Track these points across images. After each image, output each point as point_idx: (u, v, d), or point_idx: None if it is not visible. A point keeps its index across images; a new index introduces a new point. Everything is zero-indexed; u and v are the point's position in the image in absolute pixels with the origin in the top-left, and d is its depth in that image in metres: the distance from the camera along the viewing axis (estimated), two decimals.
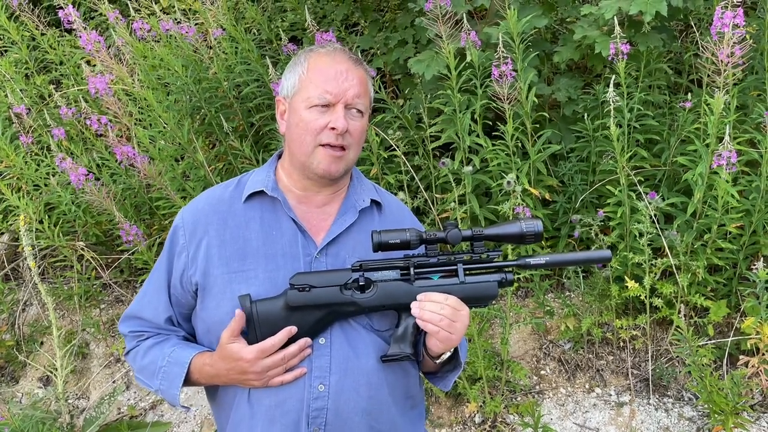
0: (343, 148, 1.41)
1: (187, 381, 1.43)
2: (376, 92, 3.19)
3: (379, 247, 1.35)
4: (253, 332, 1.35)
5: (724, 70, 2.53)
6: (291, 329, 1.35)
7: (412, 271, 1.38)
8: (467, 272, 1.39)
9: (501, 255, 1.43)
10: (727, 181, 2.58)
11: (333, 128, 1.38)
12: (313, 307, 1.35)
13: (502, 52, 2.69)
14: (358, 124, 1.42)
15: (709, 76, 2.64)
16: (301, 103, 1.41)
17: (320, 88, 1.39)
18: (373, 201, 1.53)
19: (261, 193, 1.47)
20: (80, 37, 3.03)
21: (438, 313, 1.32)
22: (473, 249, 1.40)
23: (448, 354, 1.43)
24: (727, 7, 2.45)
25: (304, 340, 1.36)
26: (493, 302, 1.45)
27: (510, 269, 1.41)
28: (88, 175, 3.10)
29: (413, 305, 1.34)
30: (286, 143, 1.48)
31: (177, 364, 1.41)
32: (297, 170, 1.47)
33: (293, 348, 1.35)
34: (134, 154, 3.06)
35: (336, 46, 1.48)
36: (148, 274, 1.55)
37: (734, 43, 2.47)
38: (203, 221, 1.46)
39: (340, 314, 1.38)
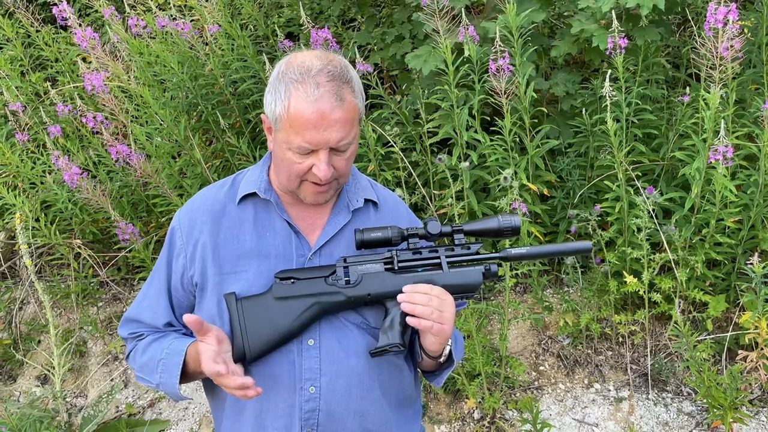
0: (330, 182, 1.38)
1: (186, 374, 1.41)
2: (374, 88, 3.18)
3: (362, 244, 1.37)
4: (238, 329, 1.34)
5: (720, 65, 2.53)
6: (249, 380, 1.24)
7: (395, 259, 1.39)
8: (451, 265, 1.40)
9: (482, 245, 1.44)
10: (725, 176, 2.57)
11: (316, 173, 1.34)
12: (298, 297, 1.36)
13: (500, 46, 2.67)
14: (344, 159, 1.36)
15: (706, 71, 2.63)
16: (283, 144, 1.34)
17: (300, 136, 1.30)
18: (367, 200, 1.51)
19: (254, 194, 1.45)
20: (75, 33, 3.01)
21: (428, 305, 1.31)
22: (453, 242, 1.42)
23: (449, 348, 1.43)
24: (720, 2, 2.44)
25: (243, 380, 1.24)
26: (476, 295, 1.45)
27: (494, 261, 1.42)
28: (82, 173, 3.09)
29: (400, 299, 1.32)
30: (274, 164, 1.45)
31: (175, 353, 1.40)
32: (286, 191, 1.45)
33: (236, 382, 1.24)
34: (129, 153, 3.05)
35: (320, 81, 1.29)
36: (146, 272, 1.55)
37: (729, 38, 2.47)
38: (199, 221, 1.45)
39: (326, 305, 1.37)
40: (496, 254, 1.42)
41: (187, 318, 1.25)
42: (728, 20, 2.44)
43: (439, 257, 1.40)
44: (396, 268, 1.39)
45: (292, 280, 1.36)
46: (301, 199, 1.43)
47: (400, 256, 1.40)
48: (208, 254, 1.42)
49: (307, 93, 1.28)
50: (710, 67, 2.57)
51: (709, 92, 2.57)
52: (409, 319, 1.32)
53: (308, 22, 3.16)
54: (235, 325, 1.34)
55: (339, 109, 1.30)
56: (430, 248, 1.42)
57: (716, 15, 2.45)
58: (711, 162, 2.56)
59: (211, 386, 1.51)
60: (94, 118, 3.17)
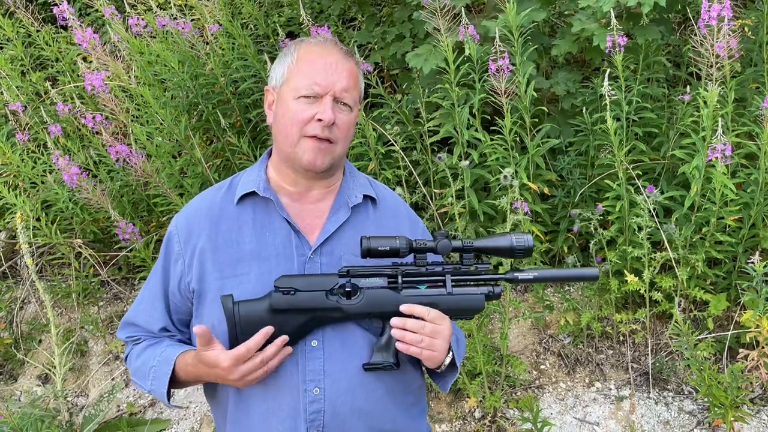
0: (330, 140, 1.39)
1: (176, 381, 1.42)
2: (374, 87, 3.18)
3: (368, 253, 1.33)
4: (234, 333, 1.33)
5: (716, 63, 2.53)
6: (267, 330, 1.30)
7: (399, 279, 1.36)
8: (455, 284, 1.38)
9: (490, 267, 1.42)
10: (724, 174, 2.57)
11: (320, 119, 1.35)
12: (296, 311, 1.33)
13: (499, 46, 2.67)
14: (346, 117, 1.40)
15: (705, 69, 2.63)
16: (289, 94, 1.38)
17: (309, 78, 1.36)
18: (366, 196, 1.51)
19: (253, 193, 1.44)
20: (75, 34, 3.01)
21: (419, 332, 1.32)
22: (462, 260, 1.39)
23: (449, 359, 1.43)
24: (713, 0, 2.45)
25: (281, 339, 1.31)
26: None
27: (498, 282, 1.41)
28: (82, 173, 3.09)
29: (395, 324, 1.33)
30: (273, 134, 1.46)
31: (165, 362, 1.40)
32: (284, 163, 1.44)
33: (271, 350, 1.31)
34: (129, 153, 3.05)
35: (327, 37, 1.46)
36: (146, 271, 1.55)
37: (725, 35, 2.47)
38: (197, 226, 1.44)
39: (325, 320, 1.36)
40: (503, 275, 1.41)
41: (197, 329, 1.29)
42: (723, 17, 2.43)
43: (443, 275, 1.38)
44: (400, 287, 1.36)
45: (292, 291, 1.33)
46: (298, 166, 1.41)
47: (405, 272, 1.38)
48: (208, 259, 1.41)
49: (316, 41, 1.43)
50: (708, 66, 2.57)
51: (707, 90, 2.57)
52: (397, 344, 1.33)
53: (308, 21, 3.16)
54: (231, 330, 1.33)
55: (345, 61, 1.41)
56: (435, 264, 1.39)
57: (710, 12, 2.45)
58: (710, 160, 2.56)
59: (211, 392, 1.50)
60: (93, 118, 3.17)
